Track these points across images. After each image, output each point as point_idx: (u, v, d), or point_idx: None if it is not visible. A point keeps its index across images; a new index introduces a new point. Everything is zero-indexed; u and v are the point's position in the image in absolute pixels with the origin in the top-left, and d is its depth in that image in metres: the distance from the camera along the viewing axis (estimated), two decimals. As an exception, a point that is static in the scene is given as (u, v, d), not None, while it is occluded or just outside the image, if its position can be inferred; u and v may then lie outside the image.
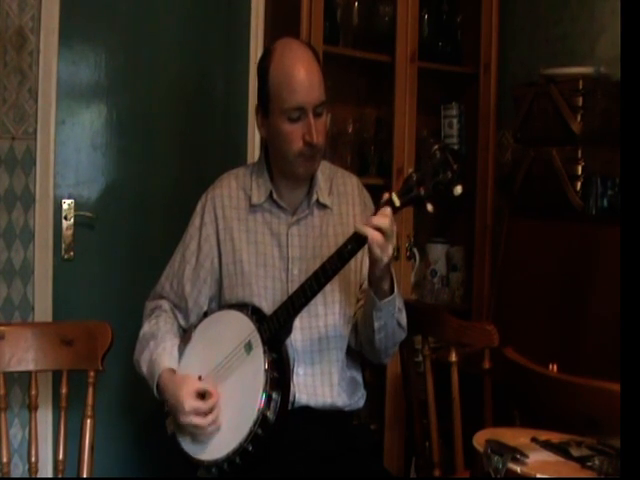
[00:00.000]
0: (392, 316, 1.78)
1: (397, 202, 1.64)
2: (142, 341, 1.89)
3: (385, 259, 1.65)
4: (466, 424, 2.01)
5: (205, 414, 1.72)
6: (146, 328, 1.92)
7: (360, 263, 1.90)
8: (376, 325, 1.77)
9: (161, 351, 1.83)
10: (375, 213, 1.67)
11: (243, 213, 1.92)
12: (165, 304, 1.95)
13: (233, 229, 1.90)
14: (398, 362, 2.31)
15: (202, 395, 1.74)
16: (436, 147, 1.62)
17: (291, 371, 1.78)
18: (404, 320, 1.85)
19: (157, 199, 2.58)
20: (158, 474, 2.46)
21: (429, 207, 1.62)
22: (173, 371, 1.81)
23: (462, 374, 2.07)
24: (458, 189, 1.60)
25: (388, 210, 1.65)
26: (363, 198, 2.00)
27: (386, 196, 1.67)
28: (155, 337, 1.87)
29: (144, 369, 1.84)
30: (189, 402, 1.71)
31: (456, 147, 3.07)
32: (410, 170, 1.66)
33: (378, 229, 1.62)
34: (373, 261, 1.68)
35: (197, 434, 1.75)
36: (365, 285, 1.87)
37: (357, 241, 1.66)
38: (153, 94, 2.56)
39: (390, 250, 1.65)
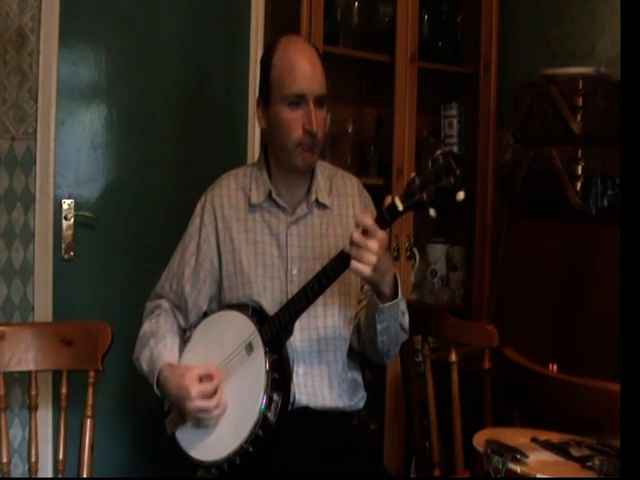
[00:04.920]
0: (395, 319, 1.78)
1: (400, 206, 1.63)
2: (142, 339, 1.89)
3: (366, 272, 1.62)
4: (466, 424, 2.01)
5: (210, 396, 1.72)
6: (146, 327, 1.92)
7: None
8: (379, 328, 1.77)
9: (161, 348, 1.83)
10: (376, 219, 1.63)
11: (242, 213, 1.91)
12: (165, 304, 1.95)
13: (232, 229, 1.90)
14: (398, 362, 2.31)
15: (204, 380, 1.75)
16: (439, 152, 1.62)
17: (291, 371, 1.78)
18: (407, 322, 1.85)
19: (157, 199, 2.58)
20: (158, 474, 2.46)
21: (431, 212, 1.61)
22: (173, 365, 1.80)
23: (462, 374, 2.07)
24: (460, 195, 1.59)
25: (381, 236, 1.62)
26: (363, 199, 2.00)
27: (388, 200, 1.66)
28: (155, 335, 1.87)
29: (144, 366, 1.84)
30: (194, 387, 1.71)
31: (456, 147, 3.07)
32: (412, 174, 1.64)
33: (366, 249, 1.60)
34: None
35: (203, 420, 1.74)
36: (367, 286, 1.86)
37: None
38: (153, 94, 2.56)
39: (372, 261, 1.61)
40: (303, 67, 1.81)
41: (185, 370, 1.76)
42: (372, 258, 1.61)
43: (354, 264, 1.62)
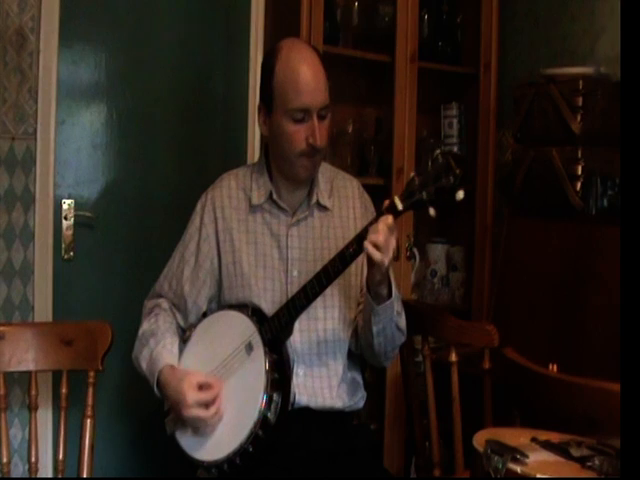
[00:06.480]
0: (391, 320, 1.78)
1: (400, 206, 1.63)
2: (141, 339, 1.89)
3: (386, 262, 1.65)
4: (466, 424, 2.01)
5: (208, 406, 1.72)
6: (145, 326, 1.91)
7: (361, 266, 1.88)
8: (375, 329, 1.77)
9: (161, 348, 1.83)
10: (376, 219, 1.65)
11: (243, 214, 1.91)
12: (164, 303, 1.95)
13: (233, 229, 1.90)
14: (398, 362, 2.31)
15: (203, 388, 1.74)
16: (438, 151, 1.62)
17: (291, 371, 1.78)
18: (403, 323, 1.85)
19: (157, 199, 2.58)
20: (158, 474, 2.46)
21: (431, 211, 1.61)
22: (173, 367, 1.80)
23: (462, 374, 2.07)
24: (460, 194, 1.59)
25: (390, 219, 1.63)
26: (364, 201, 1.99)
27: (387, 203, 1.66)
28: (155, 335, 1.86)
29: (144, 367, 1.84)
30: (192, 395, 1.71)
31: (456, 147, 3.07)
32: (412, 174, 1.64)
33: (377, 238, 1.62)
34: (373, 264, 1.67)
35: (200, 427, 1.74)
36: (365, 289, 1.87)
37: (359, 244, 1.66)
38: (153, 94, 2.56)
39: (391, 252, 1.64)
40: (307, 79, 1.78)
41: (185, 375, 1.76)
42: (390, 254, 1.65)
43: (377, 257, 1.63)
